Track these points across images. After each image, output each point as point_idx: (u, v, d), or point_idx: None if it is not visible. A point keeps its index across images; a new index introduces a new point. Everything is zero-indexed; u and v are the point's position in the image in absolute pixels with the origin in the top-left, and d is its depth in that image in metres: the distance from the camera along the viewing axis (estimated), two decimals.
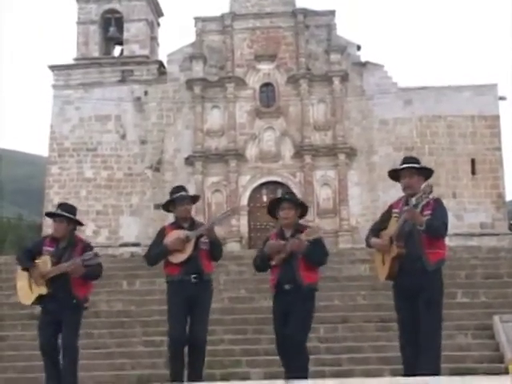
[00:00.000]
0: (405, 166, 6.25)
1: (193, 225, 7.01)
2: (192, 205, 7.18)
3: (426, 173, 6.34)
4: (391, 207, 6.35)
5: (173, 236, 6.86)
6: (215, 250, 6.97)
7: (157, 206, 24.82)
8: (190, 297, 6.75)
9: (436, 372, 5.79)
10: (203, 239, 6.88)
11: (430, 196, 5.97)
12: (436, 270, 6.05)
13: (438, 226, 5.97)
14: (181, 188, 7.13)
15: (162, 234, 7.02)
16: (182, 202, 6.98)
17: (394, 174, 6.39)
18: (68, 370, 6.82)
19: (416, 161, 6.36)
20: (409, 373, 5.97)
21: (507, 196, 27.51)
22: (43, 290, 6.82)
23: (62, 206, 7.24)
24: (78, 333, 7.01)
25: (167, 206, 7.15)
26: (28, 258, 6.96)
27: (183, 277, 6.78)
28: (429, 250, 6.00)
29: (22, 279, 7.01)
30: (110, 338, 13.03)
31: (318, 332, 12.09)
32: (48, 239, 7.14)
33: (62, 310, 6.78)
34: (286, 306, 6.46)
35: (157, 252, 6.95)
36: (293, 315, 6.38)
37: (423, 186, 5.99)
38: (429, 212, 6.01)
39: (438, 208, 6.08)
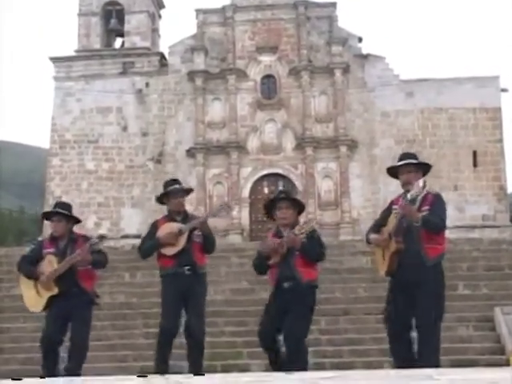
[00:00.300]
0: (402, 162, 6.23)
1: (186, 218, 7.03)
2: (185, 198, 7.22)
3: (425, 168, 6.32)
4: (391, 203, 6.34)
5: (166, 229, 6.87)
6: (208, 243, 6.99)
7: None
8: (184, 290, 6.76)
9: (436, 364, 5.79)
10: (196, 232, 6.90)
11: (425, 191, 5.95)
12: (435, 265, 6.03)
13: (434, 222, 5.95)
14: (175, 181, 7.20)
15: (154, 227, 7.06)
16: (175, 195, 7.03)
17: (393, 171, 6.37)
18: (75, 364, 6.78)
19: (414, 156, 6.34)
20: (399, 365, 5.96)
21: (509, 188, 27.54)
22: (54, 291, 6.77)
23: (59, 205, 7.26)
24: (89, 329, 7.00)
25: (161, 199, 7.20)
26: (30, 265, 6.92)
27: (177, 269, 6.80)
28: (428, 244, 5.98)
29: (27, 287, 6.93)
30: (113, 330, 13.04)
31: (319, 324, 12.09)
32: (47, 241, 7.11)
33: (73, 306, 6.76)
34: (285, 304, 6.36)
35: (149, 245, 6.97)
36: (292, 311, 6.31)
37: (419, 181, 5.95)
38: (427, 207, 5.99)
39: (436, 203, 6.06)
